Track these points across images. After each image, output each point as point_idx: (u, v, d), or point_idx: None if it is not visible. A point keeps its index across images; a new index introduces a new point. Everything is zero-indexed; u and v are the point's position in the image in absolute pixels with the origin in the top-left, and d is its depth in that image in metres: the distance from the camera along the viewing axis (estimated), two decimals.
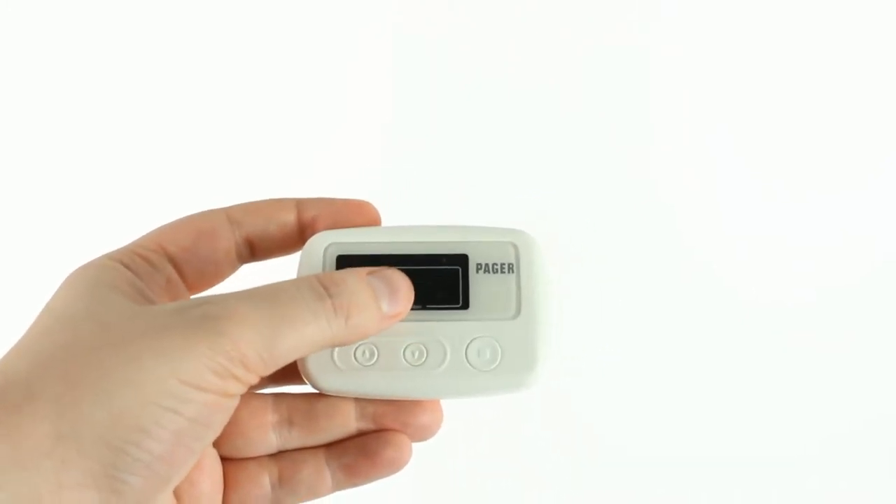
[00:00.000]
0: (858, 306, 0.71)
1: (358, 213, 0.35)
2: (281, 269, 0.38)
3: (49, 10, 0.71)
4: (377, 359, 0.33)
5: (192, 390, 0.27)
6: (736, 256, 0.71)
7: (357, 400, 0.34)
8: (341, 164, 0.72)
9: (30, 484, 0.25)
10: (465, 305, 0.34)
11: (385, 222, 0.36)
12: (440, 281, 0.34)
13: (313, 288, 0.30)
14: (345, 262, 0.34)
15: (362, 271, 0.31)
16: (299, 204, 0.35)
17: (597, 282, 0.67)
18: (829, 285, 0.71)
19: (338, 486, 0.34)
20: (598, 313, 0.67)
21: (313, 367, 0.33)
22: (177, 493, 0.31)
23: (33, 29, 0.72)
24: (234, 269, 0.35)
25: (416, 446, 0.34)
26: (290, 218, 0.35)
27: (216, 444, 0.33)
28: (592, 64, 0.73)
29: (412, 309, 0.33)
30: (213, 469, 0.33)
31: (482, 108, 0.73)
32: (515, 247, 0.34)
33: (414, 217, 0.37)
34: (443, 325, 0.33)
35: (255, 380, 0.29)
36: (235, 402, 0.29)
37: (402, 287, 0.32)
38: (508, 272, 0.34)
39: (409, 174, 0.71)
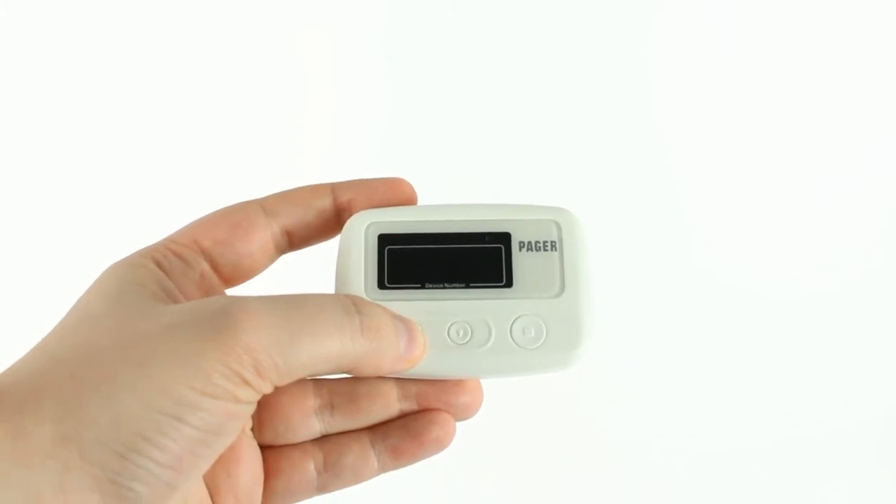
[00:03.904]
0: (858, 299, 0.70)
1: (394, 192, 0.35)
2: (320, 257, 0.38)
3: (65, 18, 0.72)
4: None
5: (199, 396, 0.26)
6: (738, 253, 0.71)
7: (398, 381, 0.33)
8: (348, 148, 0.72)
9: (32, 484, 0.24)
10: (509, 284, 0.33)
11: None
12: (483, 259, 0.33)
13: (343, 304, 0.29)
14: (387, 241, 0.34)
15: (388, 310, 0.31)
16: (334, 188, 0.35)
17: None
18: (827, 277, 0.71)
19: (383, 469, 0.33)
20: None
21: None
22: (213, 486, 0.31)
23: (54, 32, 0.73)
24: (271, 260, 0.35)
25: None
26: (326, 203, 0.35)
27: (256, 432, 0.33)
28: (594, 59, 0.74)
29: (456, 287, 0.33)
30: (252, 459, 0.32)
31: (485, 95, 0.73)
32: (558, 224, 0.34)
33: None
34: (487, 304, 0.33)
35: (268, 388, 0.28)
36: (250, 410, 0.28)
37: (420, 339, 0.32)
38: (552, 250, 0.34)
39: (409, 161, 0.71)
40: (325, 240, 0.36)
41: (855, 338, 0.70)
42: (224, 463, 0.31)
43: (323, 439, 0.33)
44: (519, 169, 0.71)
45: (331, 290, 0.34)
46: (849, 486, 0.66)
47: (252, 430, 0.33)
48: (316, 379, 0.34)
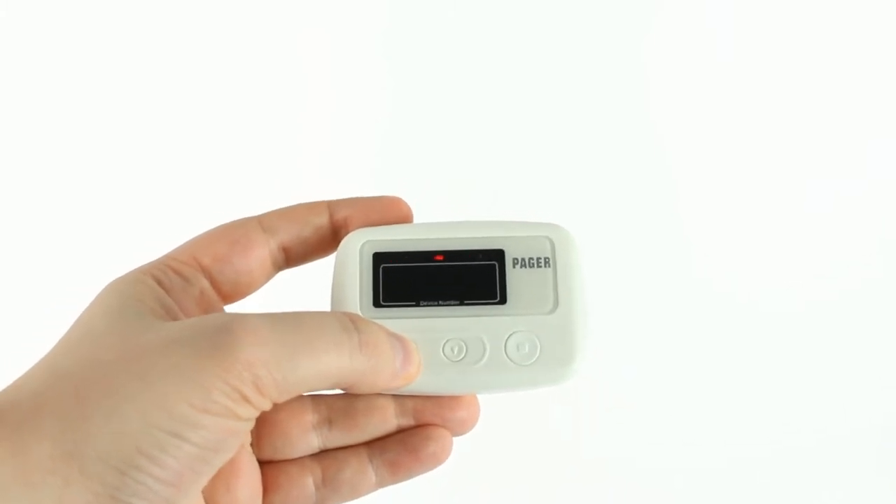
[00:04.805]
0: (856, 308, 0.70)
1: (390, 210, 0.35)
2: (317, 274, 0.38)
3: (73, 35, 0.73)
4: None
5: (199, 413, 0.26)
6: (734, 263, 0.71)
7: (395, 396, 0.33)
8: (345, 162, 0.72)
9: (33, 500, 0.25)
10: (503, 300, 0.34)
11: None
12: (477, 276, 0.34)
13: (341, 321, 0.30)
14: (381, 259, 0.34)
15: (384, 328, 0.31)
16: (331, 205, 0.35)
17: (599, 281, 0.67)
18: (825, 286, 0.71)
19: (381, 483, 0.33)
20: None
21: None
22: (212, 500, 0.31)
23: (49, 36, 0.73)
24: (269, 277, 0.35)
25: None
26: (323, 220, 0.35)
27: (255, 448, 0.33)
28: (590, 71, 0.74)
29: (451, 305, 0.34)
30: (250, 474, 0.33)
31: (478, 111, 0.73)
32: (551, 241, 0.34)
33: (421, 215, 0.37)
34: (481, 321, 0.33)
35: (267, 405, 0.28)
36: (249, 427, 0.28)
37: (415, 356, 0.32)
38: (545, 266, 0.34)
39: (406, 173, 0.71)
40: (322, 256, 0.36)
41: (853, 346, 0.70)
42: (223, 478, 0.31)
43: (321, 454, 0.34)
44: (514, 178, 0.72)
45: (327, 307, 0.34)
46: (847, 495, 0.66)
47: (251, 445, 0.33)
48: (314, 395, 0.34)
